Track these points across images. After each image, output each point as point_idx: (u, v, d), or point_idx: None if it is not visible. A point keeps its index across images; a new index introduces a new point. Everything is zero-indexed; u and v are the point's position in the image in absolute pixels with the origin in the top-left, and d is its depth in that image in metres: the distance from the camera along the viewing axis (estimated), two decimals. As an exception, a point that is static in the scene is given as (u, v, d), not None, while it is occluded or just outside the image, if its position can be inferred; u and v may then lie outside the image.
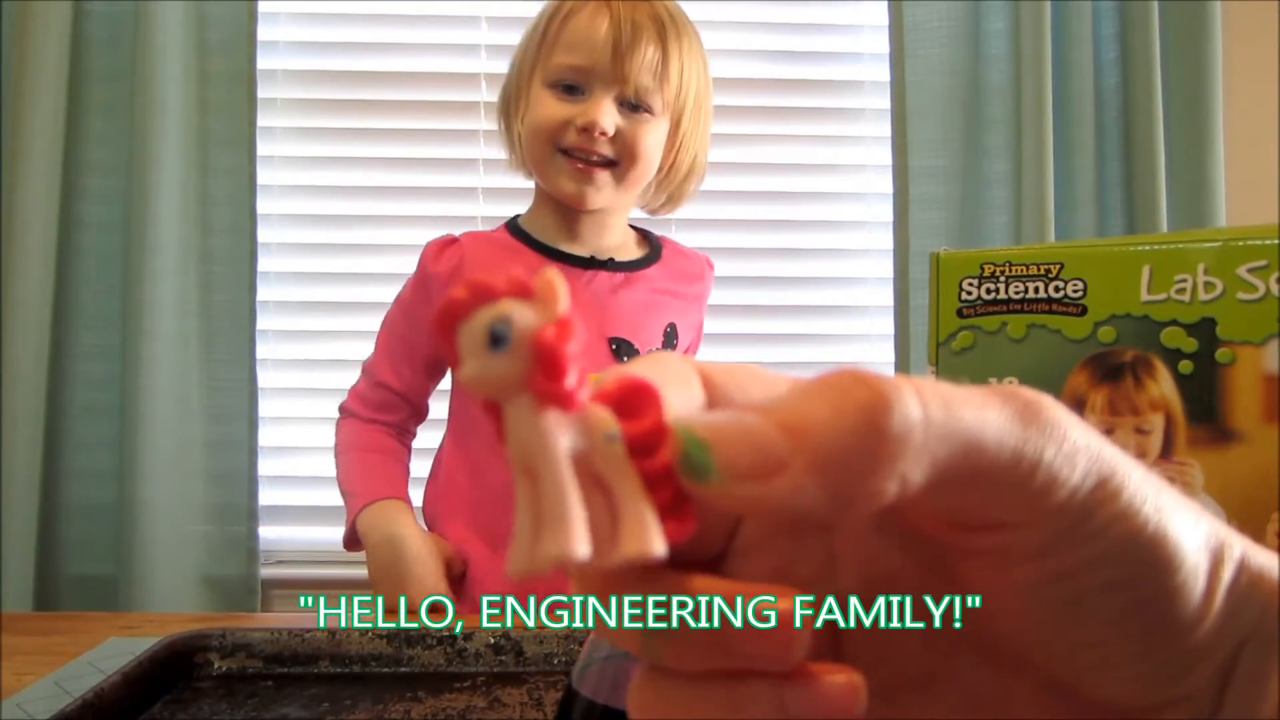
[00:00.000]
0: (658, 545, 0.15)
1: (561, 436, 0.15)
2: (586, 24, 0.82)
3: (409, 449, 0.91)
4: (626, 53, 0.81)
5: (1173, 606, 0.16)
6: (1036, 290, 0.52)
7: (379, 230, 1.43)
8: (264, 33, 1.36)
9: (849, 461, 0.14)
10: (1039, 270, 0.52)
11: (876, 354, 1.44)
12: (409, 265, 1.55)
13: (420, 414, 0.93)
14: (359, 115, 1.43)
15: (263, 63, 1.35)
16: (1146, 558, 0.16)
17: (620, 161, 0.84)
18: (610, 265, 0.90)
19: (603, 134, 0.81)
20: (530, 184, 0.94)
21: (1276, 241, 0.46)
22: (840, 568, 0.19)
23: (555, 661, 0.57)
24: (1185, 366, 0.47)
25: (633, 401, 0.15)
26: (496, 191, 1.43)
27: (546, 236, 0.90)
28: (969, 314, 0.54)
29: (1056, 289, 0.51)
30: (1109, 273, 0.50)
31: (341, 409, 0.92)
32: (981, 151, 1.38)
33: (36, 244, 1.27)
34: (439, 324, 0.15)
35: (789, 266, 1.47)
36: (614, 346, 0.88)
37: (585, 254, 0.89)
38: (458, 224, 1.42)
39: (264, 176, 1.36)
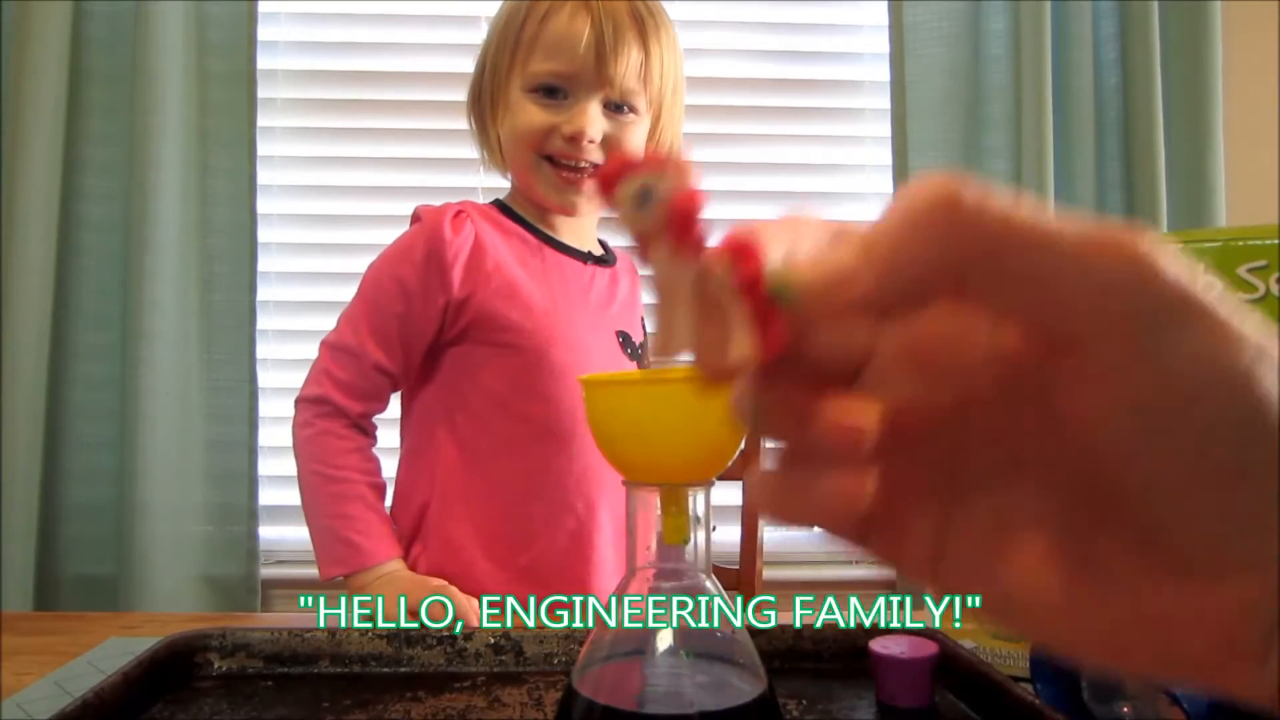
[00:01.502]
0: (752, 350, 0.19)
1: (687, 271, 0.20)
2: (566, 26, 0.79)
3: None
4: (611, 57, 0.78)
5: (1253, 448, 0.16)
6: (1036, 290, 0.52)
7: (379, 230, 1.42)
8: (264, 33, 1.36)
9: (899, 236, 0.17)
10: (1039, 270, 0.52)
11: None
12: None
13: (398, 390, 0.87)
14: (358, 115, 1.43)
15: (263, 63, 1.35)
16: (1223, 389, 0.16)
17: None
18: (605, 262, 0.91)
19: (590, 141, 0.80)
20: (506, 183, 0.92)
21: (1276, 241, 0.46)
22: (968, 419, 0.20)
23: (555, 661, 0.57)
24: (1185, 366, 0.47)
25: (746, 249, 0.20)
26: (497, 191, 1.42)
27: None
28: (969, 314, 0.54)
29: (1056, 289, 0.51)
30: (1109, 273, 0.50)
31: (318, 399, 0.81)
32: (981, 151, 1.39)
33: (36, 244, 1.27)
34: (603, 183, 0.20)
35: (789, 266, 1.47)
36: (621, 339, 0.88)
37: (582, 249, 0.89)
38: (458, 224, 1.43)
39: (264, 176, 1.36)
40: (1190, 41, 1.36)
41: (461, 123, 1.42)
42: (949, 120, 1.39)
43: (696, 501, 0.40)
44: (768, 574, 1.31)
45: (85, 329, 1.32)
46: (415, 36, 1.44)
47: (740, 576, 1.10)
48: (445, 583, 0.75)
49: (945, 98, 1.39)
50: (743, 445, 0.42)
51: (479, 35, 1.44)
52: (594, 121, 0.79)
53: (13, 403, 1.25)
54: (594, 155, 0.81)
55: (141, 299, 1.28)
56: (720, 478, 0.41)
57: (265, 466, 1.35)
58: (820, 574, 1.43)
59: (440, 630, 0.58)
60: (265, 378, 1.36)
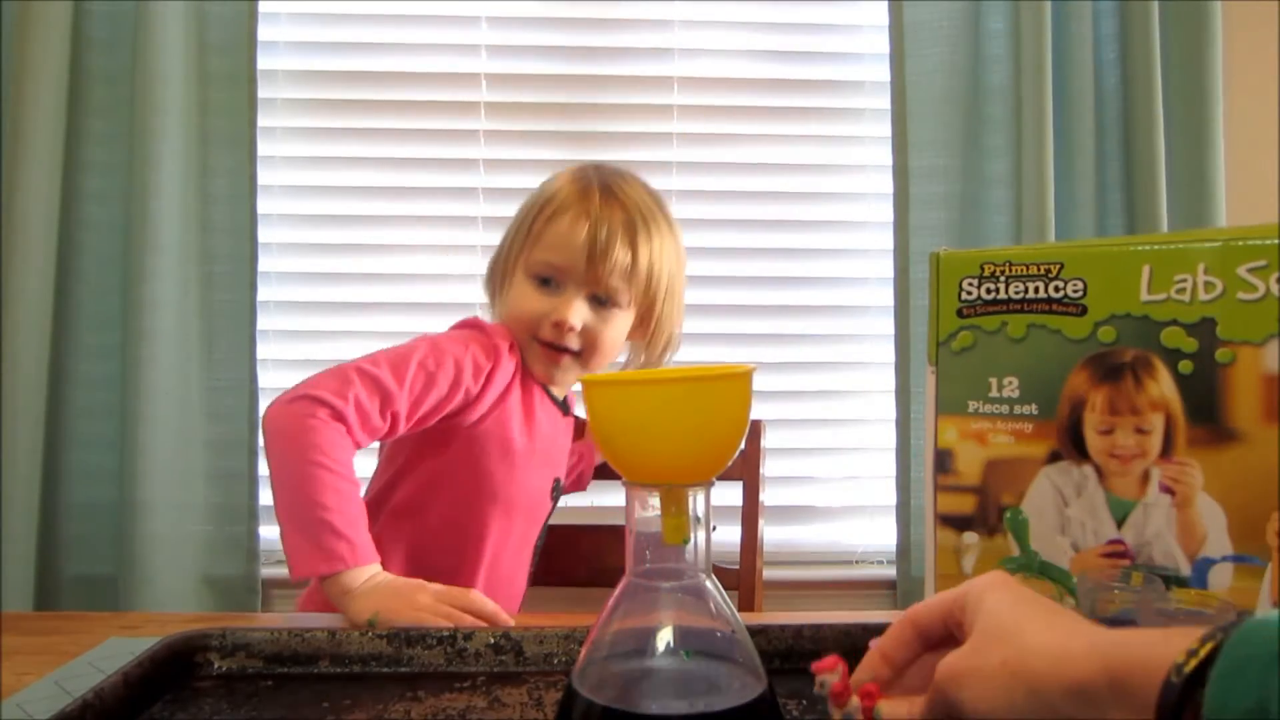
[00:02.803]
0: None
1: (843, 709, 0.41)
2: (568, 228, 0.89)
3: None
4: (600, 259, 0.89)
5: None
6: (1036, 290, 0.52)
7: (379, 230, 1.43)
8: (264, 33, 1.36)
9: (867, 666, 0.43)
10: (1039, 270, 0.52)
11: (876, 354, 1.44)
12: (409, 265, 1.54)
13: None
14: (359, 115, 1.43)
15: (263, 63, 1.35)
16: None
17: (584, 351, 0.93)
18: (568, 410, 1.02)
19: (570, 329, 0.90)
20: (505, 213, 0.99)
21: (1276, 241, 0.46)
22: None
23: (555, 661, 0.57)
24: (1185, 366, 0.47)
25: (869, 690, 0.40)
26: (496, 192, 1.43)
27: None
28: (969, 314, 0.54)
29: (1056, 289, 0.51)
30: (1109, 273, 0.50)
31: (335, 410, 0.80)
32: (981, 151, 1.38)
33: (36, 244, 1.27)
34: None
35: (789, 266, 1.47)
36: (553, 484, 0.99)
37: (560, 397, 1.00)
38: (458, 224, 1.42)
39: (264, 176, 1.36)
40: (1190, 41, 1.36)
41: (463, 123, 1.44)
42: (949, 120, 1.38)
43: (696, 501, 0.40)
44: (768, 574, 1.31)
45: (85, 329, 1.32)
46: (415, 36, 1.44)
47: (740, 576, 1.10)
48: (441, 605, 0.74)
49: (945, 98, 1.38)
50: (742, 445, 0.42)
51: (479, 35, 1.46)
52: (576, 313, 0.90)
53: (13, 403, 1.25)
54: (572, 342, 0.92)
55: (141, 299, 1.28)
56: (720, 478, 0.41)
57: (265, 466, 1.34)
58: (820, 574, 1.43)
59: (440, 631, 0.58)
60: (265, 378, 1.36)
